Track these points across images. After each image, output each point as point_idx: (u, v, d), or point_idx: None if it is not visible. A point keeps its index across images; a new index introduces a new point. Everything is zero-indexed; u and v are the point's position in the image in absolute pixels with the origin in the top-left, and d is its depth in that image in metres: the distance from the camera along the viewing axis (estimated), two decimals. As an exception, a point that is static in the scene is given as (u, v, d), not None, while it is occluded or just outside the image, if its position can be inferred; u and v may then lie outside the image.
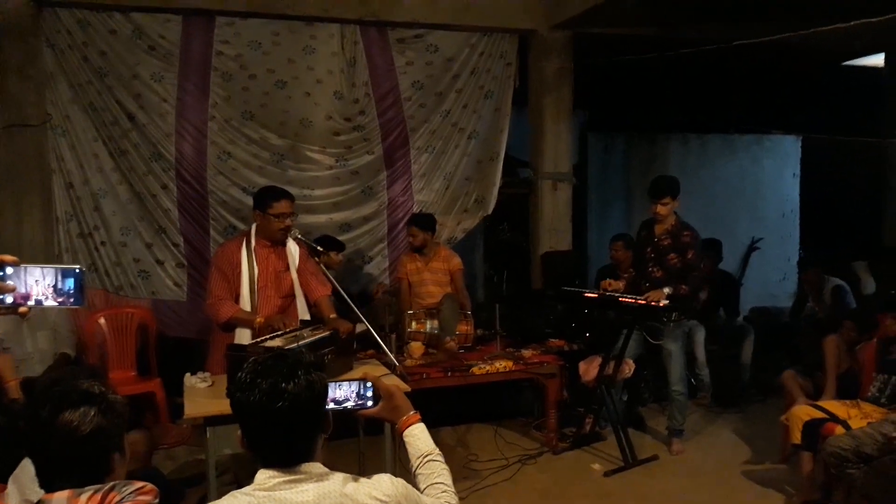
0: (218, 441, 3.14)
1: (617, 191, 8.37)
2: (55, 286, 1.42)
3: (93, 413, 1.59)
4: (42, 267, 1.43)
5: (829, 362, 4.45)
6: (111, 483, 1.55)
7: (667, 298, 4.41)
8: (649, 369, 5.45)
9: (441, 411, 4.90)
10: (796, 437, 4.00)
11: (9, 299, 1.39)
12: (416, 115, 5.92)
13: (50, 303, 1.44)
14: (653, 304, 4.39)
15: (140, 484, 1.56)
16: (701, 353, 5.67)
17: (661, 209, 4.66)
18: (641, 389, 5.63)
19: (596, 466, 4.60)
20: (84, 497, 1.51)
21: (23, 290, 1.40)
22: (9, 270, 1.39)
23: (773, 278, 8.80)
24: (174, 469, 4.53)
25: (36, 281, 1.41)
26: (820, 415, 3.96)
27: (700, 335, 5.65)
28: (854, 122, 7.31)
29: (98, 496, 1.51)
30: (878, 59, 7.25)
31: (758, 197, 8.96)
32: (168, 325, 5.41)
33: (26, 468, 2.12)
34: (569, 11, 5.64)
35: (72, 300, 1.44)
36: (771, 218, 8.97)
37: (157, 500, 1.56)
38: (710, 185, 8.51)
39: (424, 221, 5.26)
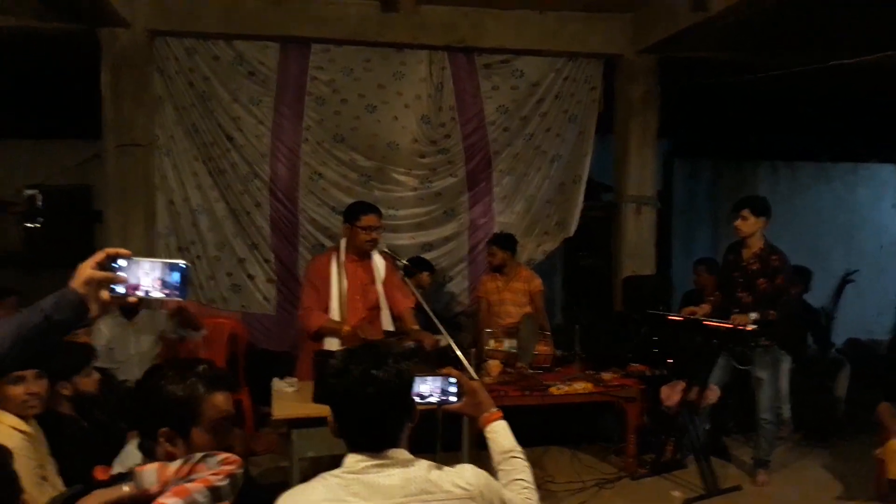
0: (302, 443, 3.27)
1: (703, 217, 8.23)
2: (162, 279, 1.51)
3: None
4: (151, 260, 1.52)
5: (930, 395, 4.23)
6: (201, 454, 1.59)
7: (753, 323, 4.31)
8: (734, 398, 5.27)
9: (518, 431, 4.88)
10: (893, 473, 3.82)
11: (120, 289, 1.49)
12: (499, 138, 6.00)
13: (156, 294, 1.52)
14: (739, 327, 4.29)
15: (225, 455, 1.63)
16: (785, 386, 5.41)
17: (739, 223, 4.53)
18: (726, 418, 5.45)
19: (676, 494, 4.49)
20: (173, 467, 1.54)
21: (133, 282, 1.50)
22: (122, 263, 1.50)
23: (869, 312, 8.40)
24: (257, 475, 4.66)
25: (145, 273, 1.51)
26: (919, 450, 3.77)
27: (786, 365, 5.41)
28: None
29: (187, 467, 1.54)
30: None
31: (852, 228, 8.64)
32: (257, 338, 5.63)
33: (132, 454, 2.26)
34: (655, 35, 5.63)
35: (177, 293, 1.52)
36: (867, 250, 8.61)
37: (241, 470, 1.62)
38: (801, 214, 8.26)
39: (504, 241, 5.30)
